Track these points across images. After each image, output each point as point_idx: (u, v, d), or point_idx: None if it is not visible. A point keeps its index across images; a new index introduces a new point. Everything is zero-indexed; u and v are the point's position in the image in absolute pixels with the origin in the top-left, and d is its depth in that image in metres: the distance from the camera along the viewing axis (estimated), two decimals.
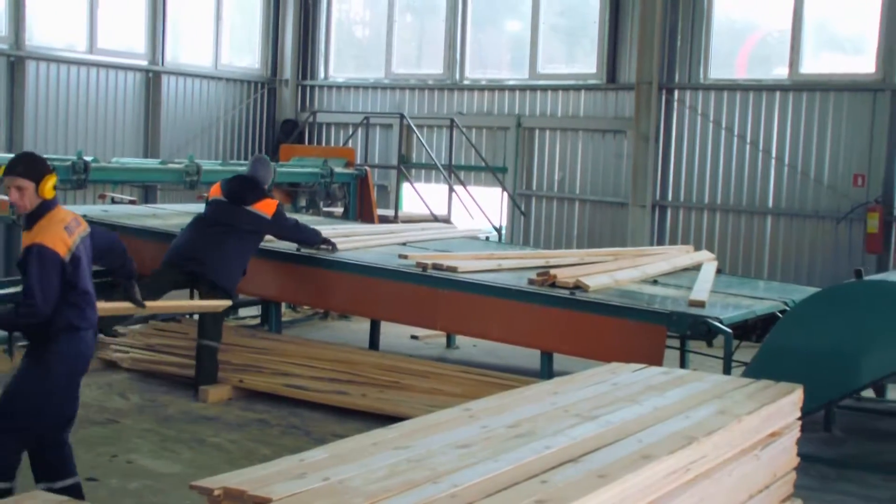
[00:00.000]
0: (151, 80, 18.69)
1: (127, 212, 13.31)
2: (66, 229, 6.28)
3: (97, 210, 13.02)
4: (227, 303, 9.47)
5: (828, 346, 7.79)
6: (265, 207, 10.36)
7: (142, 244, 11.57)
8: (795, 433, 6.39)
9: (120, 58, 18.27)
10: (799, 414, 6.44)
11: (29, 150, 6.49)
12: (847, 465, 8.80)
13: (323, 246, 10.80)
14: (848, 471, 8.64)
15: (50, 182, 6.19)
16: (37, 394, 6.26)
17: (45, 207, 6.23)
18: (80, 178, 11.19)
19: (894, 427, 10.11)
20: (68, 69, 17.31)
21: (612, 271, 10.18)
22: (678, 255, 11.79)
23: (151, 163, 14.51)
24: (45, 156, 12.85)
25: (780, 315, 9.09)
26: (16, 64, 16.66)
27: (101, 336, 11.42)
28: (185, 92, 19.38)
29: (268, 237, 10.74)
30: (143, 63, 18.65)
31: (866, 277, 8.69)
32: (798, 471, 6.53)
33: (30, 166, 6.21)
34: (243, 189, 10.52)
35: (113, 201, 15.01)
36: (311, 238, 10.78)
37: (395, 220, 16.08)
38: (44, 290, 6.07)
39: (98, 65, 17.78)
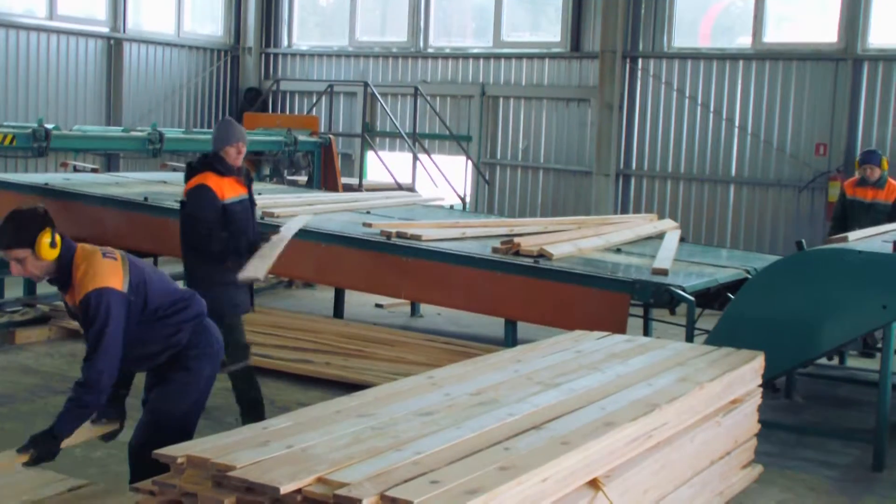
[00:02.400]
0: (113, 47, 18.50)
1: (89, 180, 13.20)
2: (105, 256, 5.41)
3: (59, 178, 12.92)
4: None
5: (789, 314, 7.85)
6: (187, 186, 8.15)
7: (105, 212, 11.51)
8: (756, 400, 6.46)
9: (81, 24, 18.07)
10: (760, 381, 6.50)
11: (12, 211, 5.36)
12: (807, 432, 8.90)
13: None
14: (808, 437, 8.74)
15: (46, 239, 5.21)
16: (185, 412, 5.80)
17: (67, 258, 5.34)
18: (41, 145, 11.12)
19: (854, 393, 10.22)
20: (28, 35, 17.10)
21: (576, 240, 10.20)
22: (642, 224, 11.82)
23: (114, 130, 14.41)
24: (4, 123, 12.86)
25: (741, 283, 9.14)
26: None
27: (61, 304, 11.39)
28: (147, 59, 19.21)
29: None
30: (105, 30, 18.45)
31: (824, 245, 8.77)
32: (759, 437, 6.60)
33: (16, 232, 5.25)
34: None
35: (75, 169, 14.90)
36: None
37: (359, 188, 16.03)
38: (108, 349, 5.24)
39: (59, 31, 17.58)
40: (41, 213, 5.29)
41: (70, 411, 5.24)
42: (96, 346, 5.19)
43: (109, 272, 5.29)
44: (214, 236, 7.83)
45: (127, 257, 5.49)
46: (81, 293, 5.23)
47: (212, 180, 7.84)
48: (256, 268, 7.78)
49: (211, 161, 7.99)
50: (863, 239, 8.90)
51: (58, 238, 5.27)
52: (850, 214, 11.68)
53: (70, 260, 5.30)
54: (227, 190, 7.91)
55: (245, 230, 8.03)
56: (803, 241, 9.03)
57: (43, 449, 5.14)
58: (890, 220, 11.37)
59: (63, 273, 5.32)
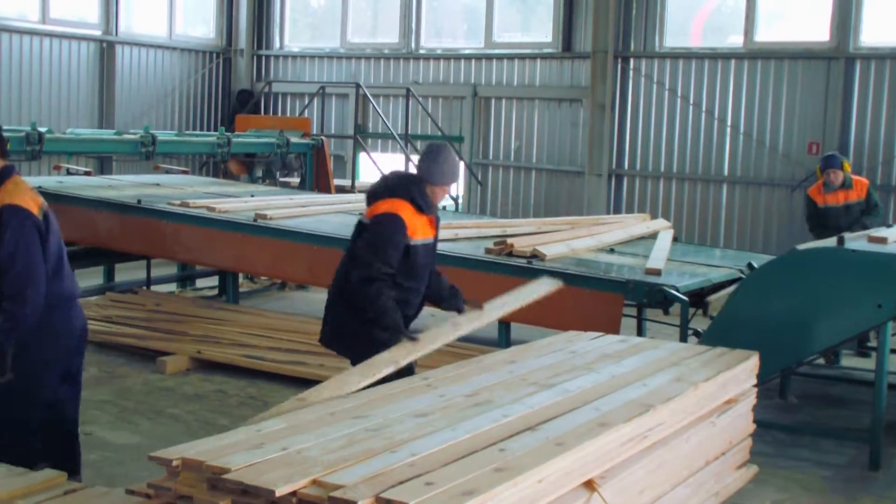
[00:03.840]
0: (105, 50, 18.48)
1: (83, 183, 13.19)
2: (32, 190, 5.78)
3: (52, 182, 12.90)
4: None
5: (783, 314, 7.85)
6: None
7: (98, 216, 11.50)
8: (751, 400, 6.45)
9: (73, 27, 18.04)
10: (755, 381, 6.50)
11: None
12: (802, 432, 8.90)
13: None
14: (802, 437, 8.74)
15: None
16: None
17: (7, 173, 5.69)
18: (34, 149, 11.09)
19: (848, 393, 10.23)
20: (20, 39, 17.08)
21: (569, 240, 10.21)
22: (635, 224, 11.83)
23: (106, 133, 14.40)
24: None
25: (735, 283, 9.15)
26: None
27: None
28: (139, 62, 19.19)
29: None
30: (97, 33, 18.43)
31: (819, 244, 8.77)
32: (754, 437, 6.60)
33: None
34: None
35: (68, 173, 14.86)
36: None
37: (351, 189, 16.03)
38: (32, 275, 5.58)
39: (51, 35, 17.56)
40: None
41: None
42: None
43: (31, 199, 5.66)
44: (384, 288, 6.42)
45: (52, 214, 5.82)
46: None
47: (407, 213, 6.48)
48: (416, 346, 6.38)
49: (412, 192, 6.53)
50: (856, 238, 8.90)
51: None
52: (827, 222, 11.69)
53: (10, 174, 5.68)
54: (419, 230, 6.56)
55: (422, 279, 6.80)
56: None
57: None
58: (866, 215, 11.50)
59: None
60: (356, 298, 6.44)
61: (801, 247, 8.45)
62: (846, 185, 11.83)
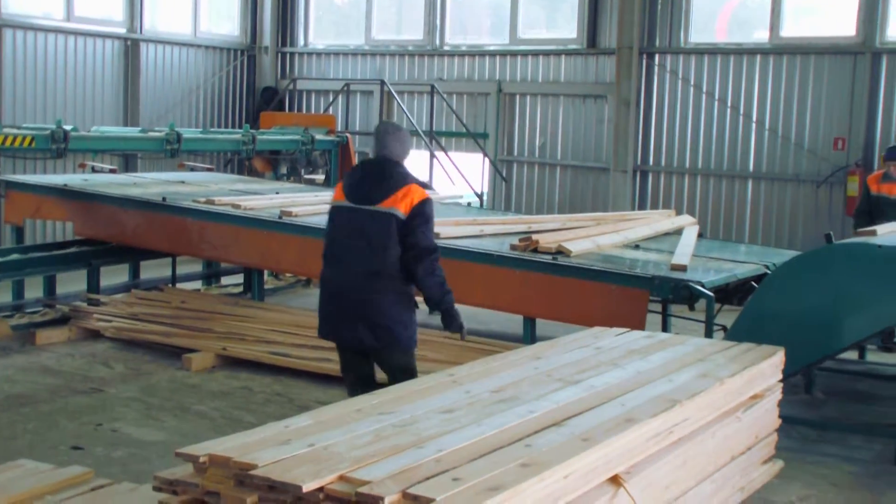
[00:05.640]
0: (130, 48, 18.53)
1: (108, 181, 13.25)
2: None
3: (78, 179, 12.96)
4: None
5: (808, 309, 7.84)
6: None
7: (123, 213, 11.55)
8: (777, 395, 6.44)
9: (98, 25, 18.09)
10: (780, 376, 6.49)
11: None
12: (828, 427, 8.86)
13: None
14: (829, 432, 8.71)
15: None
16: None
17: None
18: (59, 147, 11.14)
19: (874, 388, 10.18)
20: (45, 37, 17.14)
21: (594, 236, 10.20)
22: (660, 220, 11.80)
23: (132, 131, 14.44)
24: (23, 125, 12.91)
25: (760, 279, 9.12)
26: None
27: (84, 305, 11.44)
28: (164, 60, 19.24)
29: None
30: (122, 31, 18.48)
31: (842, 241, 8.74)
32: (779, 432, 6.59)
33: None
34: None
35: (93, 170, 14.94)
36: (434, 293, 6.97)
37: None
38: None
39: (76, 33, 17.62)
40: None
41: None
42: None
43: None
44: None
45: None
46: None
47: None
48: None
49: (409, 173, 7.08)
50: (891, 232, 8.87)
51: None
52: (875, 210, 11.71)
53: None
54: None
55: None
56: (832, 233, 8.94)
57: None
58: None
59: None
60: (427, 287, 6.86)
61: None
62: None
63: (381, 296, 6.81)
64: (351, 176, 7.17)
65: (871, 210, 11.78)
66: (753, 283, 9.18)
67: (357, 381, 7.00)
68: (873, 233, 8.57)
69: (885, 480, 7.68)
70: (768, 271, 9.29)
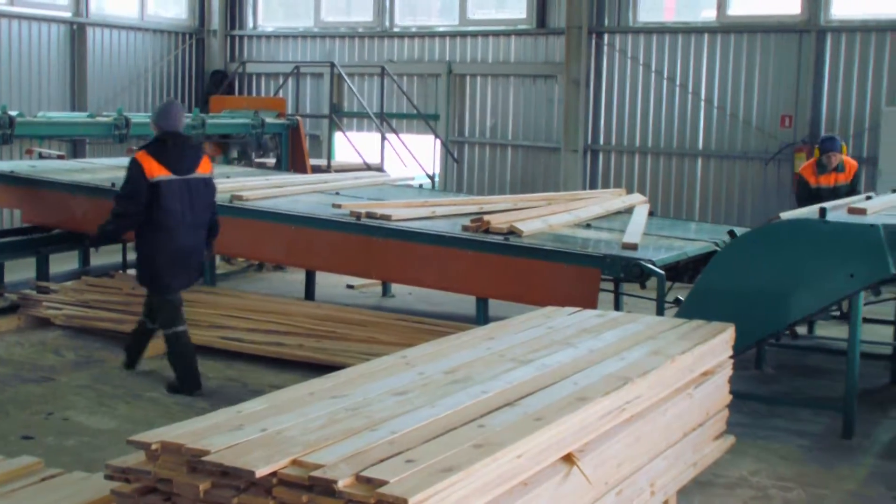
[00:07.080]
0: (76, 31, 18.35)
1: (56, 167, 13.14)
2: None
3: (25, 166, 12.83)
4: None
5: (758, 285, 7.91)
6: None
7: (72, 199, 11.45)
8: (728, 371, 6.49)
9: (43, 9, 17.89)
10: (731, 352, 6.54)
11: None
12: (778, 402, 8.97)
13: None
14: (779, 407, 8.81)
15: None
16: None
17: None
18: (5, 133, 11.01)
19: (823, 363, 10.31)
20: None
21: (546, 216, 10.23)
22: (610, 199, 11.86)
23: (79, 116, 14.28)
24: None
25: (710, 256, 9.19)
26: None
27: (33, 293, 11.33)
28: (111, 44, 19.06)
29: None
30: (67, 15, 18.29)
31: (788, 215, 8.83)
32: (730, 408, 6.64)
33: None
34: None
35: (41, 156, 14.81)
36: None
37: (327, 169, 16.00)
38: None
39: (20, 17, 17.40)
40: None
41: None
42: None
43: None
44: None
45: None
46: None
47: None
48: None
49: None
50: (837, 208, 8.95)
51: None
52: (816, 201, 11.81)
53: None
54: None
55: None
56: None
57: None
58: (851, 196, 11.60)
59: None
60: None
61: (784, 215, 8.53)
62: (840, 167, 12.12)
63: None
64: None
65: (812, 202, 11.89)
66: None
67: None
68: (864, 211, 8.57)
69: (834, 453, 7.77)
70: (718, 249, 9.36)
